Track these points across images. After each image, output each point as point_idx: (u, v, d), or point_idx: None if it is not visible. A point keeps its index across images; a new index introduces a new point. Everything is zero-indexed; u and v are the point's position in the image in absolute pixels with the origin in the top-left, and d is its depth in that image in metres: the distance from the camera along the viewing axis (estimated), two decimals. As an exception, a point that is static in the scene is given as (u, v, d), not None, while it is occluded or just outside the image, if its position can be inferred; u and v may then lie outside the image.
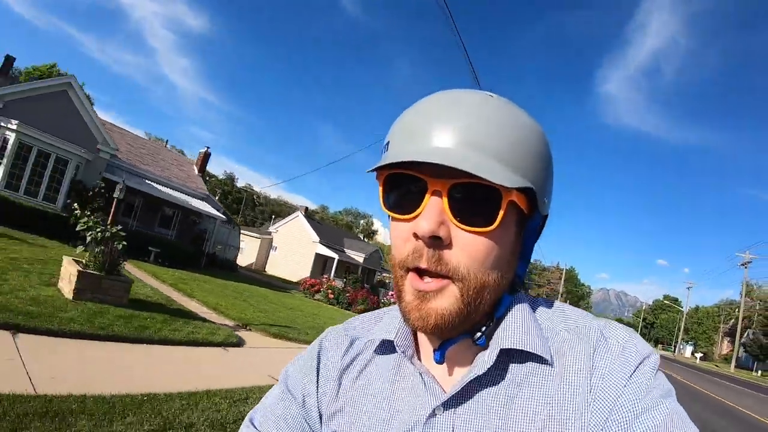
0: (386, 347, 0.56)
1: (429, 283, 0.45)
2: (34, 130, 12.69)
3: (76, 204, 7.11)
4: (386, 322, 0.58)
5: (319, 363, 0.59)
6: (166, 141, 30.27)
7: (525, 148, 0.45)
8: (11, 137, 12.38)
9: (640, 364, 0.46)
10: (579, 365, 0.47)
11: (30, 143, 12.80)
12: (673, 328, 69.73)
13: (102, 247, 5.98)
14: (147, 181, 16.72)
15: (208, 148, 22.12)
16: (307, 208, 33.59)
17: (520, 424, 0.46)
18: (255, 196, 78.50)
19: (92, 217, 6.20)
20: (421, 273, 0.46)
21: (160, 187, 16.93)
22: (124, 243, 6.23)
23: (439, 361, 0.50)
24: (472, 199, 0.44)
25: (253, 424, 0.57)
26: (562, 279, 63.88)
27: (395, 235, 0.48)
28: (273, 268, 30.21)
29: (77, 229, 6.05)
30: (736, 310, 49.65)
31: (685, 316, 60.44)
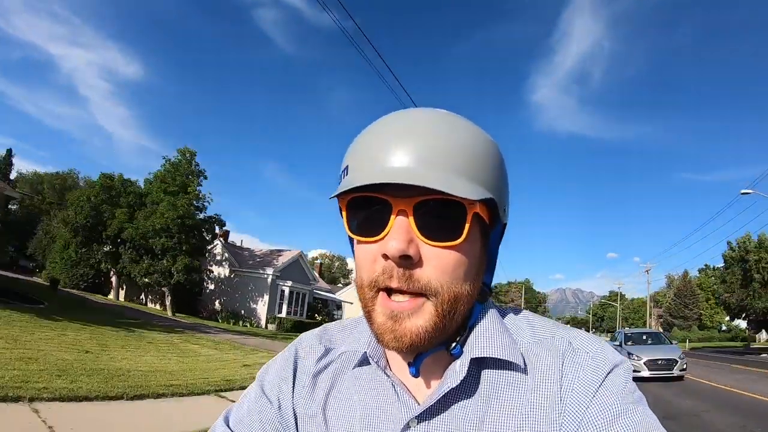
0: (359, 358, 0.56)
1: (402, 303, 0.46)
2: (291, 282, 25.96)
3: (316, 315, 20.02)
4: (359, 332, 0.59)
5: (295, 368, 0.60)
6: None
7: (482, 161, 0.47)
8: (286, 290, 25.62)
9: (609, 372, 0.48)
10: (549, 374, 0.49)
11: (292, 289, 26.01)
12: (623, 318, 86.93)
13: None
14: (319, 292, 30.35)
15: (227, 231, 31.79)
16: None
17: (495, 431, 0.47)
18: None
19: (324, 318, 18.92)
20: (390, 292, 0.46)
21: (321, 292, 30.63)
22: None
23: (415, 375, 0.51)
24: (438, 214, 0.45)
25: (227, 423, 0.57)
26: (522, 294, 79.31)
27: (362, 257, 0.48)
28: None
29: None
30: (663, 297, 67.46)
31: (619, 308, 78.16)
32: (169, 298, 23.04)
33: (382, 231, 0.45)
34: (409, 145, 0.45)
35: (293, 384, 0.59)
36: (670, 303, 61.08)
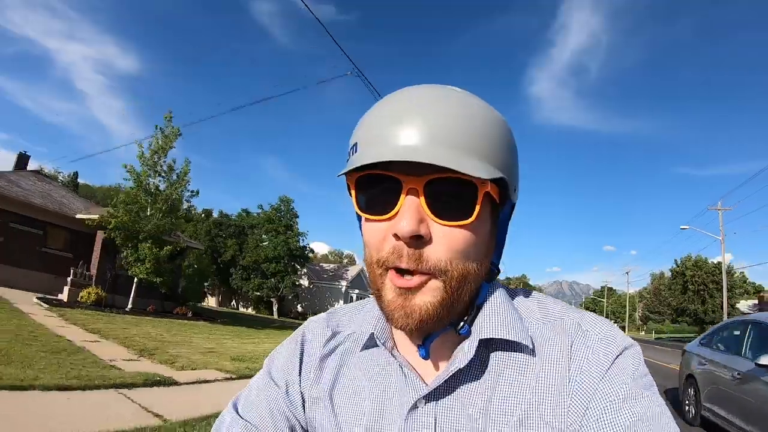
0: (366, 340, 0.55)
1: (411, 280, 0.45)
2: (358, 290, 35.38)
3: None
4: (365, 314, 0.59)
5: (302, 352, 0.60)
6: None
7: (493, 139, 0.46)
8: (354, 296, 35.06)
9: (619, 355, 0.47)
10: (558, 356, 0.48)
11: (359, 296, 35.27)
12: (609, 312, 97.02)
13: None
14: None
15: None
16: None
17: (501, 416, 0.47)
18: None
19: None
20: (400, 271, 0.46)
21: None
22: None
23: (425, 357, 0.51)
24: (449, 193, 0.44)
25: (236, 410, 0.58)
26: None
27: (371, 235, 0.48)
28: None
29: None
30: (647, 293, 77.26)
31: (606, 303, 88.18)
32: (276, 306, 32.46)
33: (392, 210, 0.45)
34: (419, 122, 0.44)
35: (300, 368, 0.59)
36: (647, 300, 71.06)
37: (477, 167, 0.43)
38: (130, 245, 14.23)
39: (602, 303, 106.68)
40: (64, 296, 14.34)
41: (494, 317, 0.50)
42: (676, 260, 41.88)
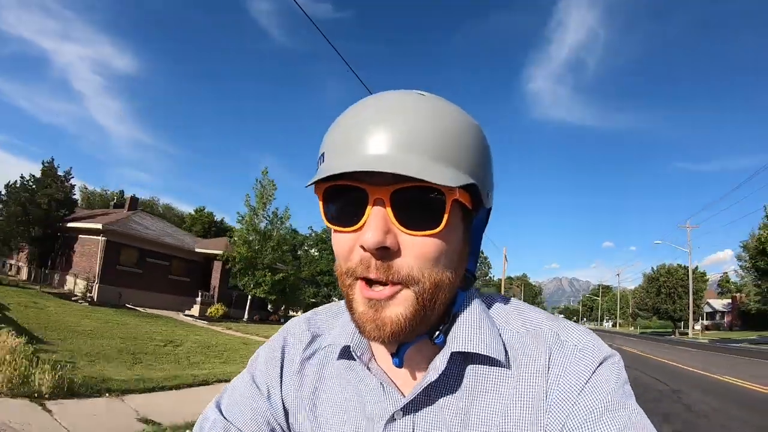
0: (344, 350, 0.55)
1: (381, 291, 0.44)
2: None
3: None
4: (344, 322, 0.57)
5: (283, 356, 0.59)
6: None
7: (463, 145, 0.45)
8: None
9: (598, 366, 0.47)
10: (535, 367, 0.48)
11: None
12: (606, 309, 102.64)
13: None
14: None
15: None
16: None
17: (480, 423, 0.47)
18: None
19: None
20: (369, 282, 0.45)
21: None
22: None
23: (399, 366, 0.50)
24: (416, 202, 0.44)
25: (220, 409, 0.57)
26: (522, 290, 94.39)
27: (339, 245, 0.47)
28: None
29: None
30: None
31: (600, 302, 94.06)
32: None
33: (359, 221, 0.44)
34: (385, 131, 0.43)
35: (281, 374, 0.58)
36: (637, 298, 77.44)
37: (444, 175, 0.42)
38: (249, 273, 20.29)
39: (597, 301, 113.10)
40: (195, 312, 20.19)
41: (469, 329, 0.49)
42: (652, 267, 50.47)
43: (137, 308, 18.95)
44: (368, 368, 0.53)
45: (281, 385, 0.58)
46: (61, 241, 22.33)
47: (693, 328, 40.78)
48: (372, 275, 0.44)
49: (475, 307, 0.52)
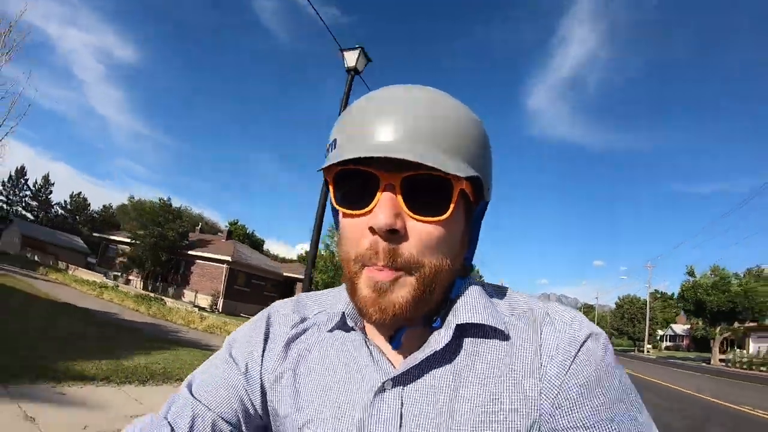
0: (336, 323, 0.55)
1: (386, 275, 0.46)
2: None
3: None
4: (336, 300, 0.59)
5: (267, 334, 0.58)
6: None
7: (469, 139, 0.47)
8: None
9: (586, 339, 0.49)
10: (528, 343, 0.50)
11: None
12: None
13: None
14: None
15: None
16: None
17: (470, 401, 0.47)
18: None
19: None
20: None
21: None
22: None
23: (396, 348, 0.51)
24: (425, 190, 0.45)
25: (190, 389, 0.55)
26: None
27: (348, 230, 0.48)
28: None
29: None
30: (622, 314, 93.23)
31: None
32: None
33: (370, 204, 0.46)
34: (398, 120, 0.45)
35: (263, 349, 0.57)
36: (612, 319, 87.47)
37: (453, 165, 0.44)
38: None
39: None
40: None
41: (467, 306, 0.51)
42: (619, 297, 63.43)
43: (247, 316, 27.25)
44: (364, 336, 0.54)
45: (262, 361, 0.56)
46: (173, 263, 30.66)
47: (647, 347, 51.33)
48: (380, 262, 0.45)
49: (474, 291, 0.53)
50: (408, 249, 0.46)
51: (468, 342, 0.51)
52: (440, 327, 0.50)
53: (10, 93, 18.02)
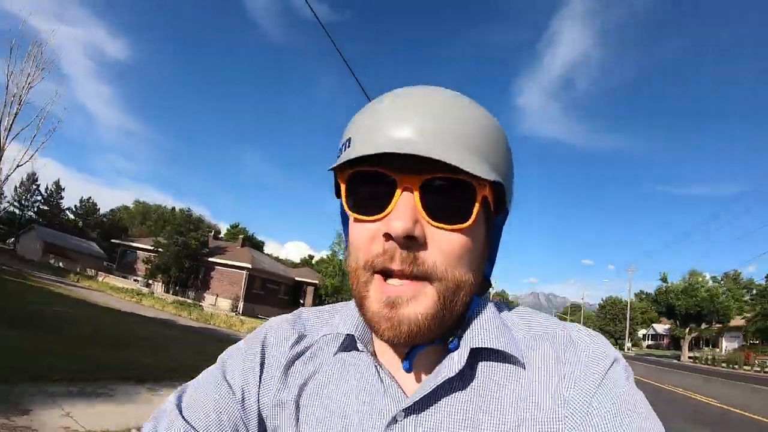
0: (341, 344, 0.51)
1: (400, 288, 0.42)
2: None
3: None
4: (340, 317, 0.54)
5: (263, 357, 0.53)
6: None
7: (492, 143, 0.45)
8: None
9: (610, 366, 0.46)
10: (548, 368, 0.46)
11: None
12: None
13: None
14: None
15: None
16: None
17: (489, 428, 0.44)
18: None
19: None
20: (386, 275, 0.43)
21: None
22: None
23: (408, 370, 0.47)
24: (446, 194, 0.42)
25: (179, 408, 0.49)
26: None
27: (358, 236, 0.45)
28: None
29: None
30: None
31: (569, 319, 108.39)
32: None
33: (385, 209, 0.42)
34: (418, 118, 0.42)
35: (260, 373, 0.52)
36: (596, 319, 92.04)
37: (477, 166, 0.41)
38: (336, 296, 32.09)
39: (567, 319, 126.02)
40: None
41: (484, 329, 0.47)
42: (602, 299, 68.02)
43: (265, 318, 30.34)
44: (375, 359, 0.49)
45: (259, 387, 0.51)
46: (194, 269, 33.27)
47: (627, 345, 56.02)
48: (395, 266, 0.41)
49: (490, 311, 0.50)
50: (429, 257, 0.42)
51: (483, 366, 0.47)
52: (456, 349, 0.46)
53: (42, 112, 20.26)
